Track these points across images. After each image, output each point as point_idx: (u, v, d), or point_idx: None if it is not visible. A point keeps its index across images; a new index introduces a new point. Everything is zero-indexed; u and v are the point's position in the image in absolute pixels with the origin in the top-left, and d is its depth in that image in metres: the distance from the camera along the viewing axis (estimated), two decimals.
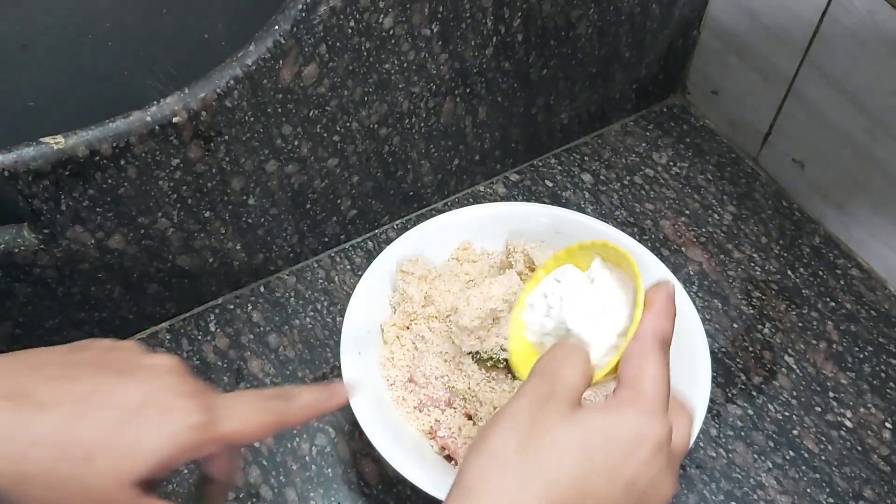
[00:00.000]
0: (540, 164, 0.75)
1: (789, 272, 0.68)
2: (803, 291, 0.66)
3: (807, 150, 0.69)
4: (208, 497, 0.40)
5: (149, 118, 0.50)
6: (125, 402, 0.34)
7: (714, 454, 0.58)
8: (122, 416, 0.34)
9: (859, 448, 0.58)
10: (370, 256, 0.64)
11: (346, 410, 0.58)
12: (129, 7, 0.52)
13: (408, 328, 0.57)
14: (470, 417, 0.53)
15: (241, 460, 0.44)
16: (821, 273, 0.68)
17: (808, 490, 0.56)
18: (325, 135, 0.59)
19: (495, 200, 0.72)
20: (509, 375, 0.55)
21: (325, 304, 0.65)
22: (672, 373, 0.55)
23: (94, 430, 0.33)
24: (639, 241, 0.60)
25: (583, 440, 0.33)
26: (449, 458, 0.52)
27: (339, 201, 0.65)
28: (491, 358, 0.55)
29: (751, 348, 0.63)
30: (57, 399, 0.33)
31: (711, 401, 0.57)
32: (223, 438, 0.36)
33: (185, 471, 0.56)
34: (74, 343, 0.38)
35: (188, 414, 0.35)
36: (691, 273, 0.67)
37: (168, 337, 0.63)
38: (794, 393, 0.61)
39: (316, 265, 0.67)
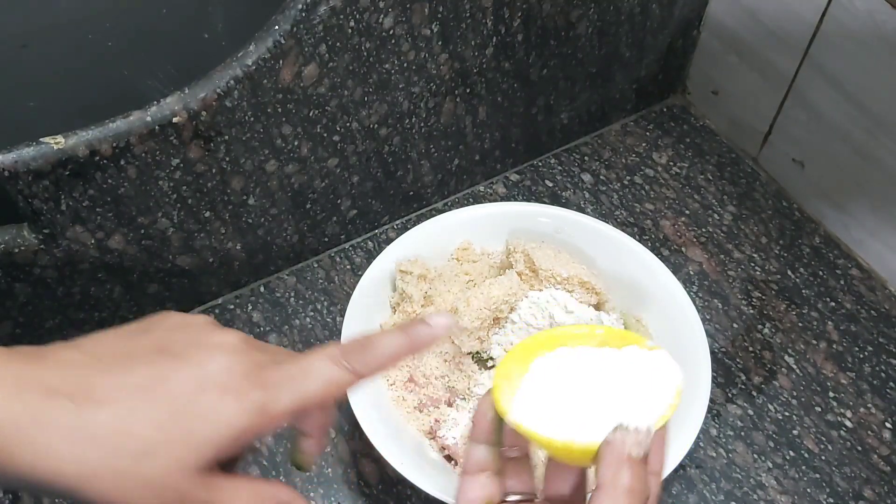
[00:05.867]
0: (540, 164, 0.75)
1: (789, 272, 0.68)
2: (803, 291, 0.66)
3: (807, 150, 0.69)
4: (302, 453, 0.40)
5: (149, 118, 0.50)
6: (179, 390, 0.34)
7: (714, 454, 0.58)
8: (176, 406, 0.33)
9: (859, 448, 0.58)
10: (370, 256, 0.64)
11: (346, 410, 0.58)
12: (129, 7, 0.52)
13: None
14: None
15: (332, 416, 0.42)
16: (821, 273, 0.68)
17: (808, 490, 0.56)
18: (325, 135, 0.59)
19: (495, 200, 0.72)
20: None
21: (325, 304, 0.65)
22: None
23: (149, 423, 0.33)
24: (639, 241, 0.60)
25: None
26: (449, 458, 0.52)
27: (339, 201, 0.65)
28: (491, 358, 0.55)
29: (751, 348, 0.63)
30: (113, 393, 0.33)
31: (711, 401, 0.57)
32: (284, 416, 0.35)
33: None
34: (143, 321, 0.37)
35: (242, 396, 0.34)
36: (691, 273, 0.67)
37: None
38: (794, 393, 0.61)
39: (316, 265, 0.67)
